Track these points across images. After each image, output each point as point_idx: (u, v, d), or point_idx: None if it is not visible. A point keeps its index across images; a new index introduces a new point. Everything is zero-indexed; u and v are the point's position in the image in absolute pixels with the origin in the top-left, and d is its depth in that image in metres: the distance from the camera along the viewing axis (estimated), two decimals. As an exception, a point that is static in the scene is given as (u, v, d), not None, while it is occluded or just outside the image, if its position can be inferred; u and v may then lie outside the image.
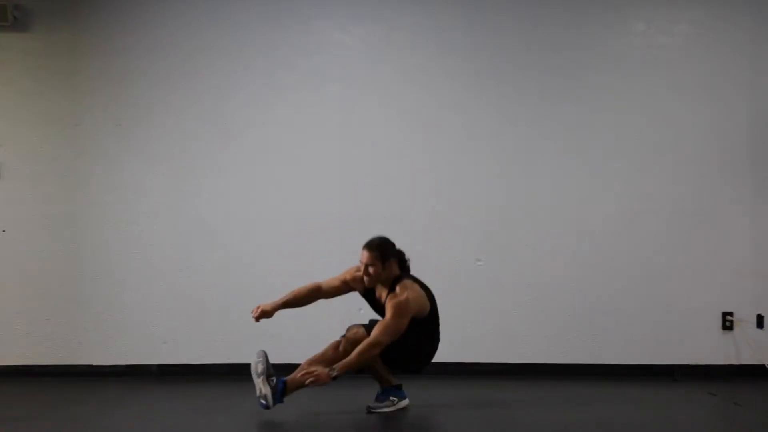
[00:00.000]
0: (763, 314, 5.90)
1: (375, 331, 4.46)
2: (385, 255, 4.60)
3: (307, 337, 5.80)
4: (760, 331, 5.89)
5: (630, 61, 5.99)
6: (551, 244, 5.92)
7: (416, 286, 4.61)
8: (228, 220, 5.90)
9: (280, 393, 4.46)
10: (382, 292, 4.68)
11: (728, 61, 5.98)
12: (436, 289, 5.77)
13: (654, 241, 5.92)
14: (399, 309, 4.47)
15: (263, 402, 4.45)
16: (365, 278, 4.63)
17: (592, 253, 5.91)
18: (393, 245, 4.66)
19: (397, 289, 4.55)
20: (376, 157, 5.92)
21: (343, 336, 4.64)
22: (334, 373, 4.38)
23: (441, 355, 5.84)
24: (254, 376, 4.52)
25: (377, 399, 4.68)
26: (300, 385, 4.47)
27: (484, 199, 5.93)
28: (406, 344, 4.54)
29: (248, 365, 5.82)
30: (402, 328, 4.48)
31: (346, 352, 4.50)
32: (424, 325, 4.65)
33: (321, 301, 5.79)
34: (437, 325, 4.76)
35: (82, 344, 5.84)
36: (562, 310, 5.89)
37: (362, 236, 4.72)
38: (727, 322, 5.90)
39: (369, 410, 4.58)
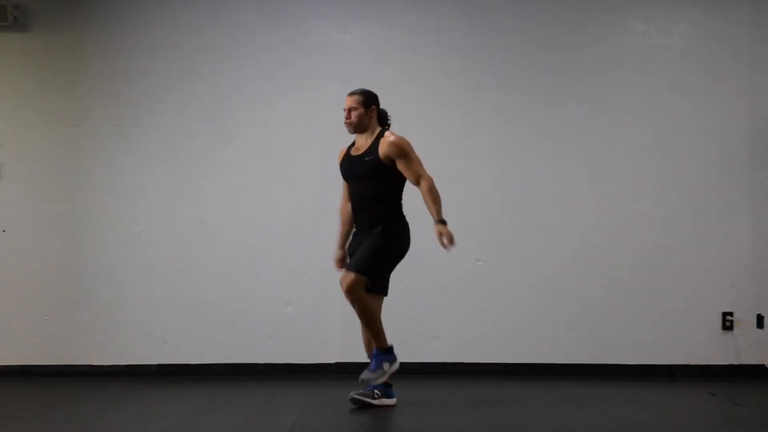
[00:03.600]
0: (763, 314, 5.90)
1: (420, 181, 4.51)
2: (368, 100, 4.62)
3: (307, 336, 5.82)
4: (760, 331, 5.89)
5: (630, 62, 5.99)
6: (551, 244, 5.92)
7: None
8: (228, 220, 5.90)
9: (388, 354, 4.55)
10: (360, 146, 4.65)
11: (727, 62, 5.99)
12: (435, 288, 5.80)
13: (654, 241, 5.92)
14: (403, 148, 4.51)
15: (394, 370, 4.55)
16: (347, 124, 4.64)
17: (592, 252, 5.91)
18: (377, 96, 4.68)
19: (387, 133, 4.57)
20: (376, 157, 5.92)
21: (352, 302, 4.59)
22: (444, 221, 4.45)
23: (441, 355, 5.87)
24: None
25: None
26: (377, 335, 4.54)
27: (484, 199, 5.93)
28: (380, 215, 4.58)
29: (248, 365, 5.87)
30: (418, 158, 4.56)
31: (361, 310, 4.53)
32: (399, 182, 4.64)
33: (320, 303, 5.82)
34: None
35: (82, 344, 5.84)
36: (562, 310, 5.89)
37: (362, 236, 4.72)
38: (727, 322, 5.90)
39: (355, 396, 4.58)
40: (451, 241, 4.43)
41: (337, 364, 5.80)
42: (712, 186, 5.94)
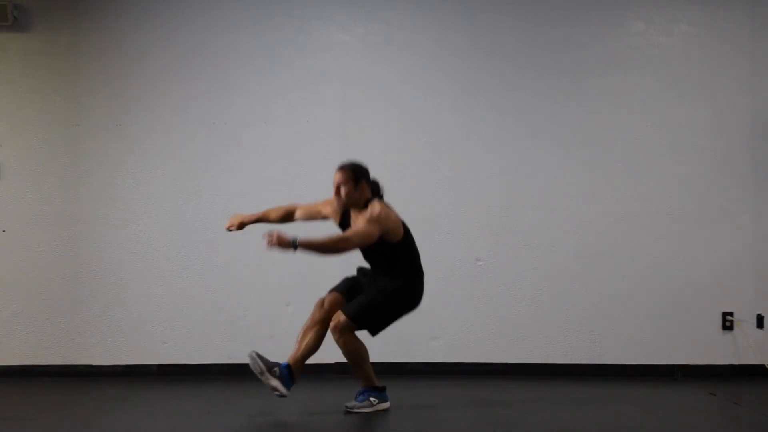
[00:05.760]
0: (763, 314, 5.90)
1: (346, 232, 4.46)
2: (357, 176, 4.56)
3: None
4: (760, 331, 5.89)
5: (629, 61, 5.99)
6: (551, 244, 5.92)
7: (388, 209, 4.56)
8: (228, 220, 5.89)
9: (288, 378, 4.48)
10: (356, 220, 4.61)
11: (727, 61, 5.99)
12: (435, 288, 5.78)
13: (654, 241, 5.92)
14: (370, 218, 4.42)
15: (278, 393, 4.46)
16: (337, 199, 4.59)
17: (593, 253, 5.92)
18: (366, 170, 4.62)
19: (369, 206, 4.50)
20: (376, 156, 5.89)
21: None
22: (296, 241, 4.28)
23: (441, 355, 5.87)
24: (259, 377, 4.51)
25: (356, 398, 4.63)
26: (302, 358, 4.53)
27: (484, 198, 5.93)
28: (391, 272, 4.54)
29: (248, 365, 5.84)
30: (372, 235, 4.39)
31: (329, 311, 4.59)
32: (401, 249, 4.56)
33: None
34: (416, 252, 4.65)
35: (82, 344, 5.84)
36: (562, 310, 5.89)
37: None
38: (727, 322, 5.90)
39: (347, 410, 4.56)
40: (273, 242, 4.28)
41: (337, 364, 5.79)
42: (712, 186, 5.94)
